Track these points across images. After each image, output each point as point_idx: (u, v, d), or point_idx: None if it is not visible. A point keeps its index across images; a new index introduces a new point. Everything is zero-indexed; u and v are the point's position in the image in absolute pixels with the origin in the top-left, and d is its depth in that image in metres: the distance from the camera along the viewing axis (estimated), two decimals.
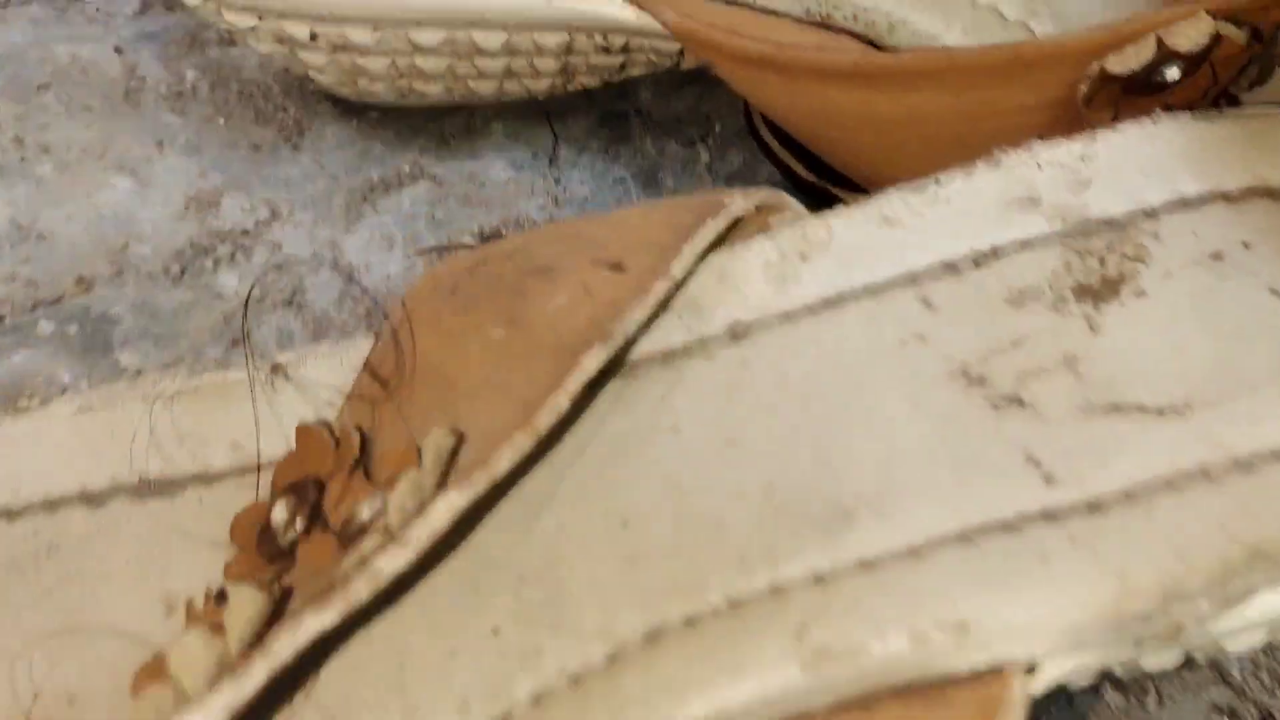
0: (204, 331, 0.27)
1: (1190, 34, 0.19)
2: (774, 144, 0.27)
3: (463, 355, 0.20)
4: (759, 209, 0.21)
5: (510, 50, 0.26)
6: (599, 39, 0.25)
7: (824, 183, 0.26)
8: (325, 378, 0.22)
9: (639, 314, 0.19)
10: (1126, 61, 0.20)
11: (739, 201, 0.20)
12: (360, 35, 0.25)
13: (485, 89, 0.28)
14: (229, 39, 0.32)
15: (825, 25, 0.24)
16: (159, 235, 0.29)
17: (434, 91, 0.28)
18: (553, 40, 0.25)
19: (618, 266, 0.20)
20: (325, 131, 0.31)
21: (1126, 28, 0.20)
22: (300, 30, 0.26)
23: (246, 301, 0.25)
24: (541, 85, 0.28)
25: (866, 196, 0.28)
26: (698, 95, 0.30)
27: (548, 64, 0.26)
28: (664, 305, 0.20)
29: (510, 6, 0.24)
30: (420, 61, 0.26)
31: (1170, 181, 0.20)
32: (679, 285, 0.20)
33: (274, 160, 0.30)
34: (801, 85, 0.22)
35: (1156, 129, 0.20)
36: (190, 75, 0.32)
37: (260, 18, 0.26)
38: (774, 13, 0.24)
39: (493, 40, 0.25)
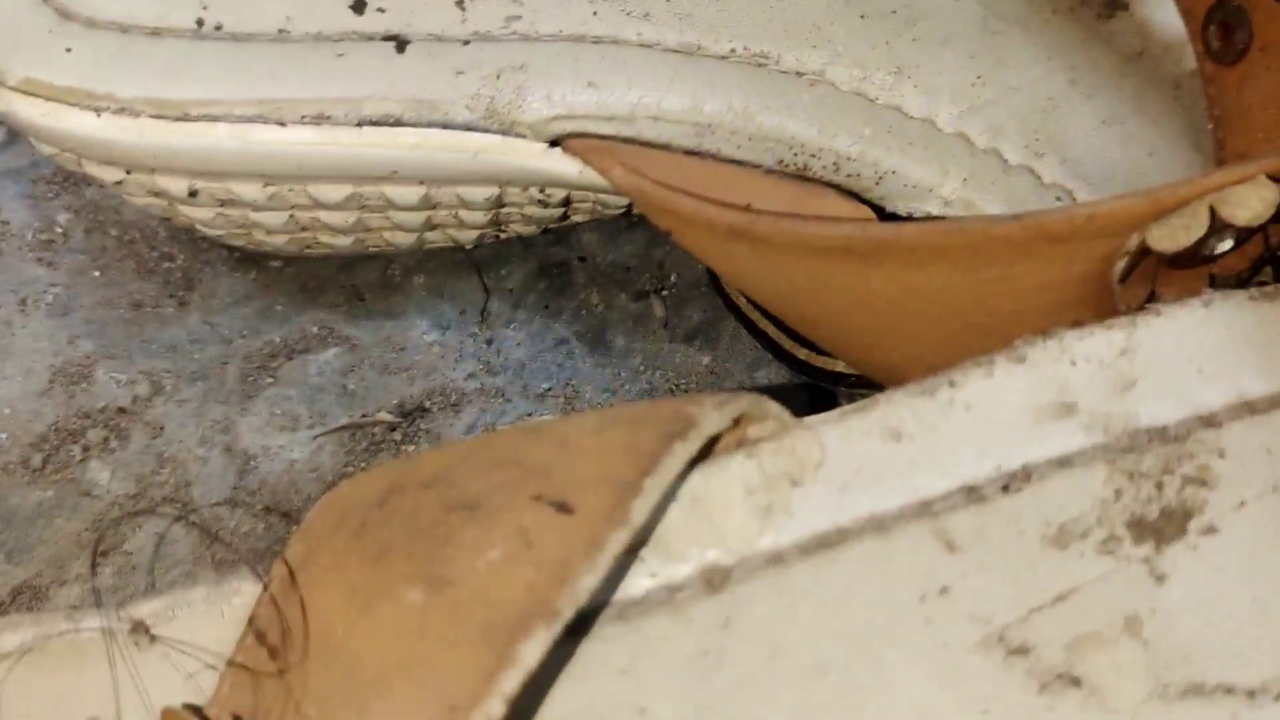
0: (68, 539, 0.23)
1: (1252, 204, 0.16)
2: (743, 303, 0.23)
3: (371, 624, 0.16)
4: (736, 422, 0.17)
5: (430, 204, 0.22)
6: (534, 192, 0.22)
7: (808, 351, 0.22)
8: (200, 636, 0.18)
9: (591, 579, 0.15)
10: (1174, 238, 0.16)
11: (712, 416, 0.16)
12: (249, 191, 0.21)
13: (403, 240, 0.24)
14: None
15: (802, 177, 0.20)
16: (18, 419, 0.25)
17: (343, 244, 0.24)
18: (480, 194, 0.22)
19: (564, 507, 0.16)
20: (218, 285, 0.26)
21: (1169, 195, 0.17)
22: (177, 186, 0.21)
23: (95, 546, 0.20)
24: (469, 236, 0.24)
25: (840, 367, 0.25)
26: (649, 239, 0.26)
27: (475, 216, 0.23)
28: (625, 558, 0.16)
29: (426, 161, 0.20)
30: (324, 216, 0.22)
31: (1231, 380, 0.16)
32: (642, 532, 0.16)
33: (157, 321, 0.26)
34: (780, 259, 0.18)
35: (1209, 313, 0.17)
36: (62, 219, 0.28)
37: (128, 171, 0.22)
38: (741, 163, 0.20)
39: (408, 195, 0.21)
